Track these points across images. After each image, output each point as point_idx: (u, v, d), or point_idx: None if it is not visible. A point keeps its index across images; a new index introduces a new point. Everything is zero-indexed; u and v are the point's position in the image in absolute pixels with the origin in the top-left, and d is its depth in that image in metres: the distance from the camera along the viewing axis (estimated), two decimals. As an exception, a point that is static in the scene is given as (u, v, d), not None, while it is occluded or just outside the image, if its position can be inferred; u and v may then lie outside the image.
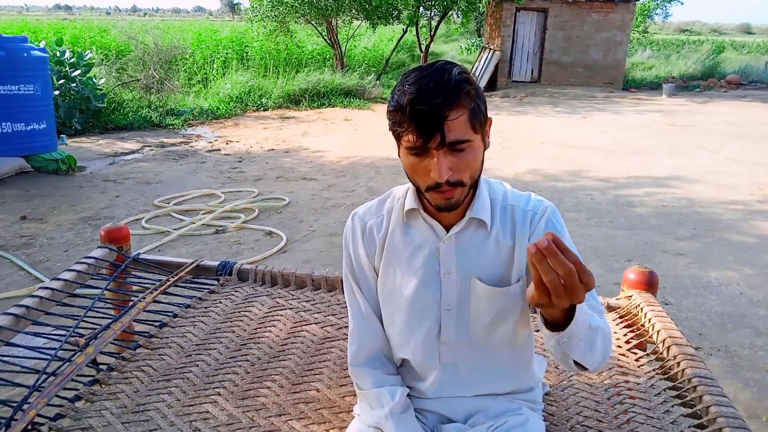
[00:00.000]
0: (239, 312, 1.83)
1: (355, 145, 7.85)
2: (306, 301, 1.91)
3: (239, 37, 15.08)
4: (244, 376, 1.51)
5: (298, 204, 5.16)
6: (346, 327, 1.75)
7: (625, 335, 1.68)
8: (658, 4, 22.06)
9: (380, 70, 14.86)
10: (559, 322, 0.98)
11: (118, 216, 4.72)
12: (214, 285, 2.00)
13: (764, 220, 4.96)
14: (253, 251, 4.03)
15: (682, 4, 23.39)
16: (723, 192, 5.82)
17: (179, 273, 1.99)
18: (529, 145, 8.07)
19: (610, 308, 1.83)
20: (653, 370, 1.52)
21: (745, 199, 5.58)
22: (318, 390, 1.47)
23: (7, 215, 4.67)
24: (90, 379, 1.47)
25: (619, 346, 1.64)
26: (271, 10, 12.89)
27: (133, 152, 7.26)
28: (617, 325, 1.74)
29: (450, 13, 14.85)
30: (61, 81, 7.76)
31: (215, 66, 13.13)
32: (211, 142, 7.98)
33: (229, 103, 10.71)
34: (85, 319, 1.70)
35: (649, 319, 1.66)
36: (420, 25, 14.82)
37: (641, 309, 1.72)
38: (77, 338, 1.59)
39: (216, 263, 2.08)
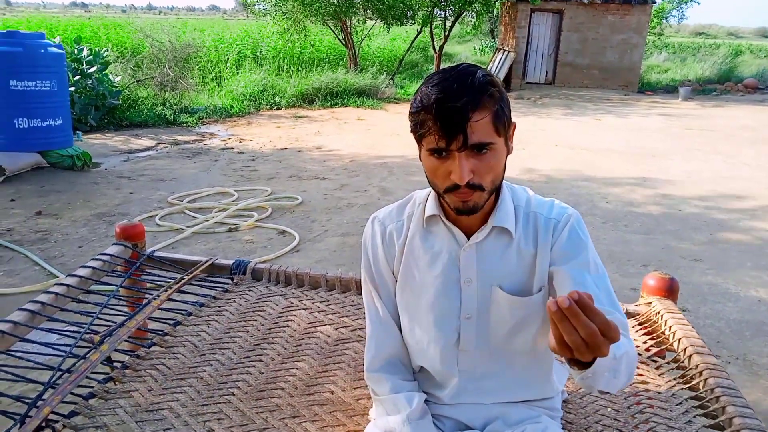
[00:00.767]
0: (253, 311, 1.82)
1: (368, 145, 7.84)
2: (320, 302, 1.89)
3: (253, 35, 15.13)
4: (258, 377, 1.50)
5: (311, 203, 5.16)
6: (361, 329, 1.74)
7: (645, 343, 1.65)
8: (674, 6, 21.85)
9: (394, 70, 14.84)
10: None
11: (132, 213, 4.74)
12: (228, 284, 1.99)
13: (783, 227, 4.89)
14: (266, 250, 4.03)
15: (699, 3, 23.17)
16: (740, 197, 5.74)
17: (193, 271, 1.98)
18: (543, 147, 8.01)
19: (629, 315, 1.79)
20: (674, 379, 1.49)
21: (764, 205, 5.50)
22: (332, 392, 1.46)
23: (22, 210, 4.70)
24: (104, 376, 1.47)
25: (639, 354, 1.60)
26: (282, 8, 12.91)
27: (147, 149, 7.30)
28: (636, 332, 1.71)
29: (464, 14, 14.78)
30: (77, 77, 7.82)
31: (229, 64, 13.18)
32: (224, 141, 8.01)
33: (242, 102, 10.74)
34: (99, 316, 1.69)
35: (670, 327, 1.63)
36: (434, 26, 14.78)
37: (661, 316, 1.69)
38: (92, 335, 1.59)
39: (230, 262, 2.07)
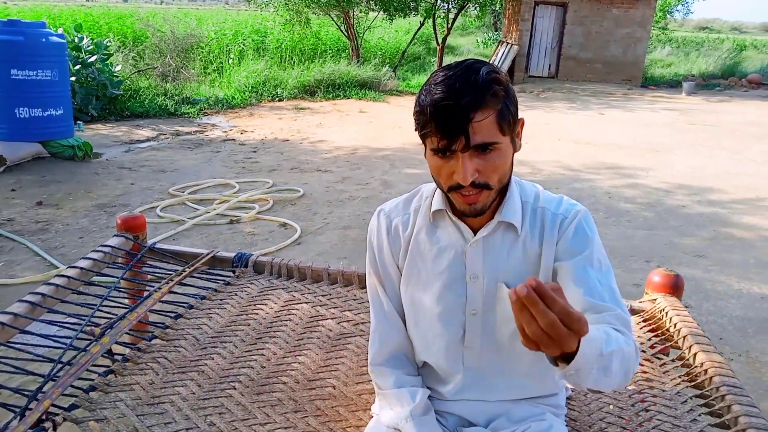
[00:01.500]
0: (255, 305, 1.81)
1: (370, 137, 7.81)
2: (322, 296, 1.88)
3: (256, 27, 15.06)
4: (260, 371, 1.49)
5: (313, 196, 5.14)
6: (363, 323, 1.73)
7: (650, 340, 1.64)
8: (680, 0, 21.72)
9: (396, 63, 14.78)
10: (563, 355, 0.84)
11: (133, 204, 4.72)
12: (229, 276, 1.98)
13: (786, 223, 4.86)
14: (267, 242, 4.02)
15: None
16: (744, 193, 5.72)
17: (195, 264, 1.97)
18: (546, 141, 7.98)
19: (633, 311, 1.78)
20: (679, 376, 1.48)
21: None
22: (334, 387, 1.45)
23: (23, 200, 4.69)
24: (105, 369, 1.46)
25: (643, 351, 1.59)
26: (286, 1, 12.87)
27: (148, 140, 7.28)
28: (641, 329, 1.69)
29: (467, 6, 14.70)
30: (78, 67, 7.79)
31: (232, 55, 13.13)
32: (225, 132, 7.98)
33: (244, 93, 10.70)
34: (100, 308, 1.68)
35: (674, 324, 1.61)
36: (437, 18, 14.70)
37: (666, 313, 1.67)
38: (92, 328, 1.58)
39: (232, 255, 2.06)
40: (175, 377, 1.45)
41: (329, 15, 13.63)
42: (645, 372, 1.52)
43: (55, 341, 1.55)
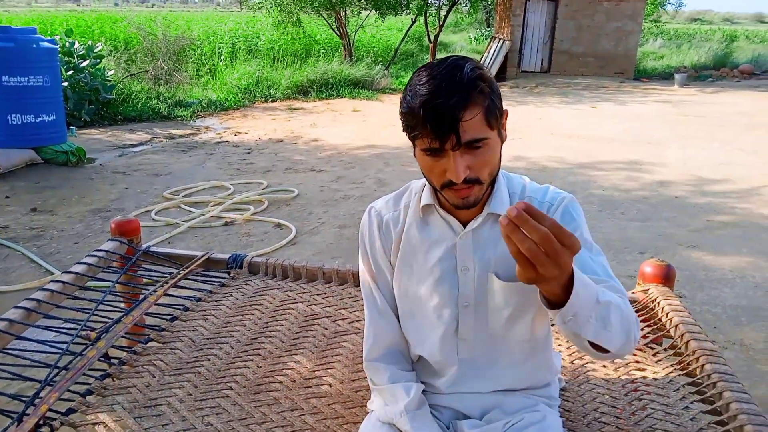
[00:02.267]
0: (250, 305, 1.82)
1: (363, 136, 7.81)
2: (317, 295, 1.89)
3: (247, 28, 15.04)
4: (256, 371, 1.50)
5: (307, 196, 5.15)
6: (358, 321, 1.74)
7: (642, 330, 1.65)
8: (672, -7, 21.77)
9: (389, 61, 14.78)
10: (560, 300, 0.87)
11: (127, 208, 4.72)
12: (224, 278, 1.99)
13: (779, 212, 4.89)
14: (262, 243, 4.03)
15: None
16: (737, 183, 5.75)
17: (190, 266, 1.98)
18: (539, 136, 8.00)
19: (626, 302, 1.79)
20: (671, 365, 1.49)
21: (760, 190, 5.51)
22: (330, 385, 1.46)
23: (17, 207, 4.69)
24: (101, 373, 1.46)
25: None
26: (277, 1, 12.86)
27: (142, 144, 7.27)
28: (633, 319, 1.71)
29: (458, 2, 14.71)
30: (70, 72, 7.77)
31: (223, 57, 13.11)
32: (219, 134, 7.98)
33: (237, 95, 10.69)
34: (96, 312, 1.69)
35: (667, 314, 1.63)
36: (429, 15, 14.71)
37: (658, 303, 1.69)
38: (88, 332, 1.59)
39: (226, 256, 2.06)
40: (172, 379, 1.46)
41: (321, 15, 13.62)
42: (638, 361, 1.54)
43: (51, 346, 1.55)
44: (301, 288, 1.93)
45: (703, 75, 16.17)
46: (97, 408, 1.34)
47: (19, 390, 2.08)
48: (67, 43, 7.94)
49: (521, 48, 15.76)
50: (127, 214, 4.51)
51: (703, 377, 1.38)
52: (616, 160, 6.63)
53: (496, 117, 1.02)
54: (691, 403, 1.34)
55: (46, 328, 1.67)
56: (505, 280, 1.11)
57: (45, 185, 5.30)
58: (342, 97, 11.36)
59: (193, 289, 1.91)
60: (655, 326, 1.65)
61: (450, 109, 0.96)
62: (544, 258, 0.77)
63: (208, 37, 14.01)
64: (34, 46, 5.70)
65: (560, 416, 1.26)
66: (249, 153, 6.81)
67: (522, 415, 1.16)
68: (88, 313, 1.67)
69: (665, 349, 1.58)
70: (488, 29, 23.58)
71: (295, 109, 10.17)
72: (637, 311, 1.74)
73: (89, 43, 8.59)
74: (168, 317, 1.74)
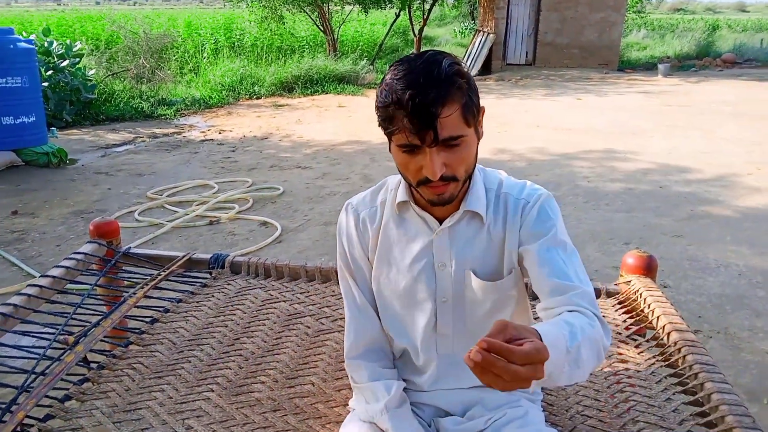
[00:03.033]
0: (232, 306, 1.80)
1: (349, 131, 7.79)
2: (300, 293, 1.88)
3: (230, 24, 14.92)
4: (238, 372, 1.49)
5: (293, 193, 5.12)
6: (342, 319, 1.73)
7: (624, 321, 1.66)
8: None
9: (374, 56, 14.73)
10: None
11: (110, 209, 4.67)
12: (206, 278, 1.97)
13: (762, 200, 4.94)
14: (248, 242, 4.00)
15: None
16: (720, 172, 5.79)
17: (171, 267, 1.95)
18: (525, 128, 8.02)
19: (609, 294, 1.80)
20: (653, 357, 1.49)
21: (743, 179, 5.56)
22: (313, 384, 1.45)
23: (-2, 210, 4.62)
24: (80, 378, 1.44)
25: (618, 333, 1.61)
26: None
27: (125, 143, 7.19)
28: (616, 311, 1.71)
29: (443, -4, 14.71)
30: (50, 72, 7.66)
31: (206, 54, 13.00)
32: (203, 132, 7.91)
33: (221, 92, 10.61)
34: (74, 316, 1.66)
35: (649, 305, 1.63)
36: (413, 9, 14.67)
37: (640, 294, 1.69)
38: (66, 336, 1.56)
39: (208, 256, 2.04)
40: (152, 382, 1.44)
41: (304, 10, 13.54)
42: (621, 353, 1.54)
43: (28, 352, 1.52)
44: (284, 287, 1.92)
45: (686, 65, 16.28)
46: (75, 413, 1.32)
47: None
48: (45, 43, 7.82)
49: (506, 41, 15.77)
50: (110, 215, 4.46)
51: (685, 368, 1.38)
52: (601, 151, 6.66)
53: (473, 114, 1.01)
54: (673, 394, 1.34)
55: (24, 333, 1.64)
56: (483, 279, 1.11)
57: (26, 187, 5.23)
58: (327, 93, 11.30)
59: (174, 291, 1.89)
60: (638, 318, 1.65)
61: (428, 105, 0.94)
62: (520, 383, 0.73)
63: (191, 34, 13.87)
64: (11, 46, 5.61)
65: (543, 411, 1.26)
66: (234, 151, 6.76)
67: (504, 410, 1.16)
68: (67, 317, 1.65)
69: (647, 341, 1.58)
70: (473, 22, 23.57)
71: (280, 105, 10.11)
72: (619, 303, 1.75)
73: (68, 42, 8.47)
74: (148, 319, 1.72)
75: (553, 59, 15.82)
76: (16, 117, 5.67)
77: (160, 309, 1.77)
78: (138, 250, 2.05)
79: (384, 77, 1.02)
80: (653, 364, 1.47)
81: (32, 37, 7.83)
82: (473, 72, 13.57)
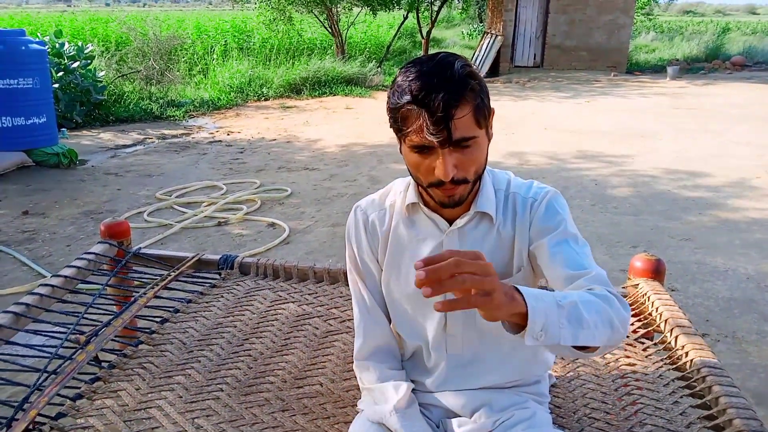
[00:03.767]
0: (241, 306, 1.81)
1: (357, 133, 7.80)
2: (308, 294, 1.89)
3: (240, 26, 14.99)
4: (247, 372, 1.50)
5: (300, 194, 5.14)
6: (350, 320, 1.74)
7: (632, 324, 1.66)
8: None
9: (381, 58, 14.75)
10: (523, 321, 0.86)
11: (120, 209, 4.70)
12: (215, 279, 1.98)
13: (771, 204, 4.91)
14: (256, 243, 4.02)
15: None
16: (729, 175, 5.77)
17: (180, 267, 1.97)
18: (532, 131, 8.01)
19: (617, 297, 1.80)
20: (661, 360, 1.50)
21: (752, 182, 5.53)
22: (321, 384, 1.45)
23: (9, 210, 4.66)
24: (91, 377, 1.46)
25: (626, 336, 1.61)
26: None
27: (134, 144, 7.24)
28: (624, 314, 1.71)
29: (451, -2, 14.71)
30: (61, 74, 7.72)
31: (215, 56, 13.06)
32: (212, 133, 7.95)
33: (229, 94, 10.65)
34: (85, 315, 1.68)
35: (657, 308, 1.63)
36: (421, 11, 14.68)
37: (648, 298, 1.69)
38: (78, 335, 1.58)
39: (217, 257, 2.06)
40: (162, 382, 1.45)
41: (312, 12, 13.58)
42: (628, 356, 1.54)
43: (40, 351, 1.54)
44: (293, 288, 1.93)
45: (695, 67, 16.21)
46: (86, 412, 1.33)
47: (12, 395, 2.07)
48: (57, 45, 7.89)
49: (513, 43, 15.76)
50: (120, 215, 4.50)
51: (693, 372, 1.38)
52: (609, 154, 6.65)
53: (484, 115, 1.02)
54: (681, 397, 1.34)
55: (36, 332, 1.66)
56: None
57: (36, 188, 5.27)
58: (335, 95, 11.33)
59: (183, 291, 1.91)
60: (645, 321, 1.65)
61: (442, 106, 0.95)
62: (472, 280, 0.77)
63: (200, 36, 13.94)
64: (23, 48, 5.66)
65: (550, 413, 1.27)
66: (242, 152, 6.79)
67: (512, 412, 1.16)
68: (78, 316, 1.67)
69: (655, 344, 1.58)
70: (480, 24, 23.56)
71: (288, 107, 10.14)
72: (627, 306, 1.75)
73: (79, 44, 8.54)
74: (158, 319, 1.73)
75: (561, 61, 15.79)
76: (27, 118, 5.72)
77: (170, 309, 1.79)
78: (148, 250, 2.07)
79: (395, 79, 1.02)
80: (661, 366, 1.47)
81: (46, 39, 7.92)
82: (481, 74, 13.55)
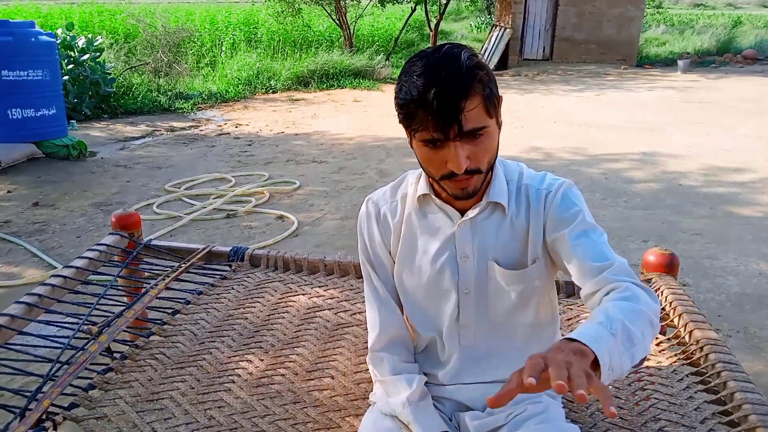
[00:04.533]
0: (252, 298, 1.81)
1: (365, 126, 7.79)
2: (319, 287, 1.89)
3: (248, 19, 14.97)
4: (258, 364, 1.50)
5: (309, 187, 5.14)
6: (360, 313, 1.73)
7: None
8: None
9: (389, 50, 14.70)
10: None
11: (129, 201, 4.72)
12: (226, 271, 1.99)
13: (783, 198, 4.86)
14: (264, 235, 4.02)
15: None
16: (741, 170, 5.71)
17: (191, 259, 1.97)
18: (542, 124, 7.96)
19: (629, 291, 1.78)
20: (675, 355, 1.48)
21: (764, 177, 5.47)
22: (332, 377, 1.45)
23: (19, 201, 4.69)
24: (104, 367, 1.46)
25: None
26: None
27: (143, 137, 7.26)
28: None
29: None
30: (71, 66, 7.74)
31: (224, 48, 13.05)
32: (220, 126, 7.96)
33: (237, 86, 10.65)
34: (97, 306, 1.69)
35: (670, 303, 1.62)
36: (429, 3, 14.60)
37: (662, 292, 1.68)
38: (90, 326, 1.58)
39: (228, 249, 2.06)
40: (174, 373, 1.46)
41: (320, 4, 13.54)
42: (641, 351, 1.53)
43: (53, 341, 1.55)
44: (303, 280, 1.93)
45: (706, 61, 16.04)
46: (99, 402, 1.34)
47: (24, 385, 2.09)
48: (68, 37, 7.90)
49: (523, 36, 15.65)
50: (129, 207, 4.51)
51: (707, 367, 1.37)
52: (620, 148, 6.60)
53: (494, 104, 1.02)
54: (696, 393, 1.33)
55: (48, 322, 1.67)
56: (506, 268, 1.11)
57: (46, 179, 5.30)
58: (343, 88, 11.31)
59: (194, 283, 1.91)
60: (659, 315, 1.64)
61: (452, 99, 0.94)
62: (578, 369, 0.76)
63: (209, 28, 13.93)
64: (33, 40, 5.67)
65: (563, 407, 1.26)
66: (250, 145, 6.79)
67: (525, 406, 1.16)
68: (90, 307, 1.67)
69: (669, 339, 1.57)
70: (489, 17, 23.40)
71: (295, 100, 10.13)
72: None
73: (89, 36, 8.55)
74: (170, 311, 1.73)
75: (570, 54, 15.67)
76: (37, 110, 5.74)
77: (181, 300, 1.79)
78: (158, 242, 2.07)
79: (402, 72, 1.01)
80: (675, 362, 1.46)
81: (58, 32, 7.93)
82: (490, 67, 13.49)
